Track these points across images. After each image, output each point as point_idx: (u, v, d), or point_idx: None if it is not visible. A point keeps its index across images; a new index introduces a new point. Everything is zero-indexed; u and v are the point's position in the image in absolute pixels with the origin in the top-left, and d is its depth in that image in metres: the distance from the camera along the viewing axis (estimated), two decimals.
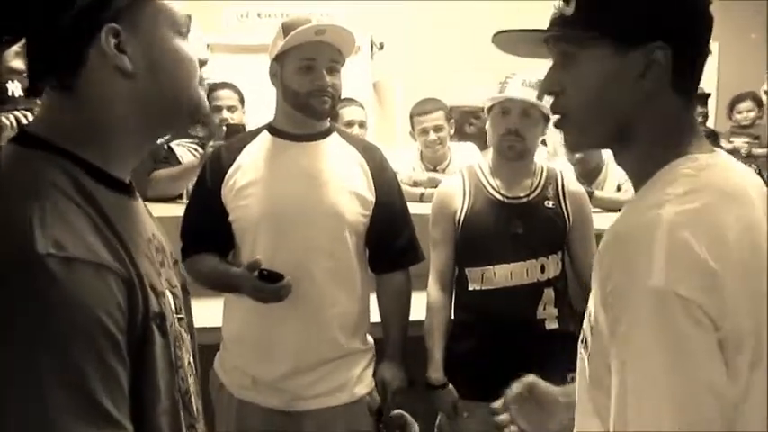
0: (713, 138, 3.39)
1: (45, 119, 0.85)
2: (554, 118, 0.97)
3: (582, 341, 0.95)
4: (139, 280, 0.79)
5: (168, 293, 0.88)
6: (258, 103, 2.65)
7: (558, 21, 0.91)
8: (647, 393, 0.76)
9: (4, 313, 0.70)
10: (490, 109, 1.97)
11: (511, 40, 0.96)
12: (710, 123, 4.72)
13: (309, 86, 1.72)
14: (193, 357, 0.97)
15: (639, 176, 0.90)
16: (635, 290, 0.77)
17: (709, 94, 4.52)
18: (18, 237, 0.71)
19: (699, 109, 4.36)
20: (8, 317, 0.70)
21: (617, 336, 0.79)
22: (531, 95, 1.89)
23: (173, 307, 0.89)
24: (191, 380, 0.92)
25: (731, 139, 4.37)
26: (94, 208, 0.78)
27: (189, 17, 0.89)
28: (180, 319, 0.92)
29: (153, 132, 0.92)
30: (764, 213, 0.84)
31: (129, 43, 0.82)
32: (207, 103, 0.93)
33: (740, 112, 4.52)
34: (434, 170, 3.12)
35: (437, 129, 3.04)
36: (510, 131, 1.90)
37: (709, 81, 4.91)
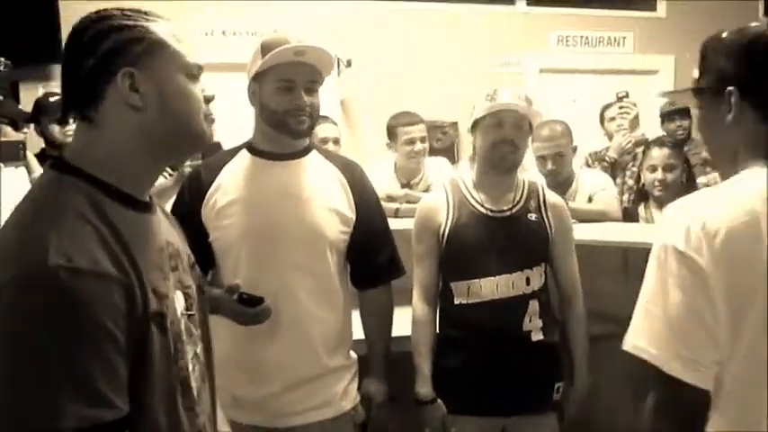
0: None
1: (75, 146, 1.01)
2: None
3: None
4: (140, 285, 0.93)
5: (179, 294, 1.04)
6: (226, 121, 2.63)
7: (694, 82, 1.24)
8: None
9: (20, 314, 0.84)
10: (475, 123, 1.97)
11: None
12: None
13: (287, 105, 1.72)
14: (205, 349, 1.13)
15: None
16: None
17: (688, 108, 4.59)
18: (36, 251, 0.86)
19: (679, 122, 4.45)
20: (23, 317, 0.84)
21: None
22: (522, 105, 1.92)
23: (182, 305, 1.04)
24: (195, 369, 1.06)
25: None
26: (107, 225, 0.93)
27: (200, 66, 1.05)
28: (190, 315, 1.07)
29: (161, 158, 1.05)
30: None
31: (142, 82, 0.98)
32: (211, 134, 1.08)
33: None
34: (408, 184, 3.14)
35: (423, 139, 3.07)
36: (505, 141, 1.92)
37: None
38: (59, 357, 0.84)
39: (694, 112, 1.32)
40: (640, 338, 1.09)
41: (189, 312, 1.06)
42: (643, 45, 5.11)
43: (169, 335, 0.97)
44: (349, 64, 4.43)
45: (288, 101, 1.72)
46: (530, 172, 2.96)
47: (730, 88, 1.17)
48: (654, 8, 5.21)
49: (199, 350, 1.10)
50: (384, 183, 3.03)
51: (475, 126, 1.98)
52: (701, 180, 4.28)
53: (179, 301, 1.03)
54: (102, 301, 0.87)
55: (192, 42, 1.06)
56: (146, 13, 1.03)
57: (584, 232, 2.39)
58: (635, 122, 3.59)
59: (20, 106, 2.97)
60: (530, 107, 1.95)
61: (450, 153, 4.52)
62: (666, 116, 4.68)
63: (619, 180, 3.43)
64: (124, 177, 0.99)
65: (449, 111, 4.42)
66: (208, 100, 1.07)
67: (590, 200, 2.84)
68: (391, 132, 3.13)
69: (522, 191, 2.02)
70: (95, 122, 0.98)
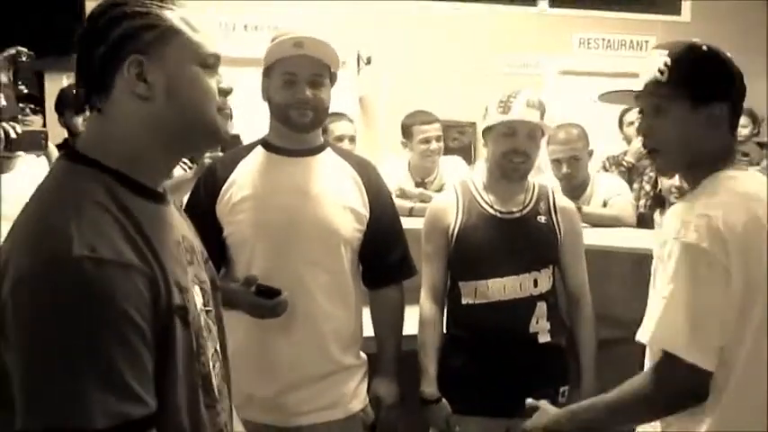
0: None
1: (88, 136, 0.99)
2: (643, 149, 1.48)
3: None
4: (164, 277, 0.91)
5: (197, 289, 1.01)
6: (245, 117, 2.65)
7: (653, 83, 1.34)
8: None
9: (46, 305, 0.82)
10: (488, 129, 1.98)
11: (612, 95, 1.46)
12: None
13: (290, 99, 1.73)
14: (221, 346, 1.10)
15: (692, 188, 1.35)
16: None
17: None
18: (59, 241, 0.84)
19: None
20: (49, 308, 0.82)
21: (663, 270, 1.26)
22: (535, 116, 1.92)
23: (200, 301, 1.01)
24: (215, 366, 1.04)
25: None
26: (126, 215, 0.91)
27: (217, 56, 1.00)
28: (208, 311, 1.05)
29: (173, 151, 1.02)
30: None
31: (151, 72, 0.95)
32: (227, 129, 1.03)
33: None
34: (422, 183, 3.14)
35: (438, 138, 3.08)
36: (518, 152, 1.93)
37: None
38: (86, 350, 0.82)
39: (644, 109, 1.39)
40: (663, 331, 1.23)
41: (207, 308, 1.04)
42: None
43: (192, 330, 0.95)
44: (369, 61, 4.44)
45: (290, 94, 1.73)
46: (546, 175, 2.96)
47: (722, 103, 1.31)
48: (678, 12, 5.16)
49: (218, 347, 1.08)
50: (398, 179, 3.04)
51: (487, 131, 2.00)
52: None
53: (197, 296, 1.01)
54: (128, 292, 0.85)
55: (210, 31, 1.01)
56: (167, 1, 0.98)
57: (596, 237, 2.39)
58: None
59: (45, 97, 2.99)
60: (542, 119, 1.95)
61: (466, 153, 4.53)
62: None
63: (636, 185, 3.41)
64: (136, 168, 0.96)
65: (466, 110, 4.42)
66: (225, 92, 1.02)
67: (605, 204, 2.83)
68: (406, 131, 3.13)
69: (533, 193, 2.03)
70: (105, 112, 0.96)
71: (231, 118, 2.87)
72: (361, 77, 4.55)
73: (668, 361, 1.23)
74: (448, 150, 4.37)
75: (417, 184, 3.13)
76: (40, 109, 2.95)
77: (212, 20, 4.29)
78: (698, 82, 1.31)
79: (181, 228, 1.05)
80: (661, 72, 1.32)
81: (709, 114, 1.31)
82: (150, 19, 0.95)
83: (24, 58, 2.49)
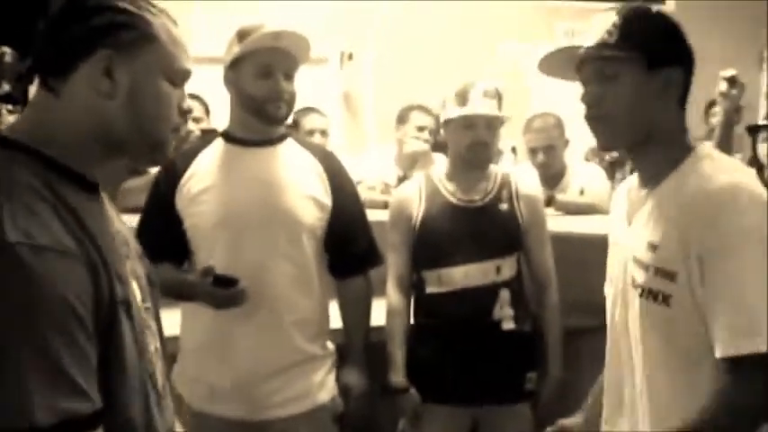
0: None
1: (30, 117, 0.95)
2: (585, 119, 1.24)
3: (637, 289, 1.19)
4: (105, 267, 0.86)
5: (134, 283, 0.96)
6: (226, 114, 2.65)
7: (603, 45, 1.18)
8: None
9: None
10: (447, 122, 2.00)
11: (549, 61, 1.28)
12: None
13: (266, 92, 1.72)
14: (161, 344, 1.05)
15: (659, 169, 1.19)
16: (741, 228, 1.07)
17: None
18: None
19: None
20: None
21: (728, 255, 1.07)
22: (492, 106, 1.94)
23: (139, 296, 0.97)
24: (159, 363, 1.00)
25: None
26: (62, 204, 0.86)
27: (188, 72, 0.99)
28: (146, 308, 1.00)
29: (112, 153, 0.98)
30: None
31: (119, 71, 0.92)
32: (170, 148, 1.01)
33: (713, 116, 4.53)
34: (405, 177, 3.10)
35: (430, 132, 3.00)
36: (478, 143, 1.95)
37: None
38: (27, 343, 0.76)
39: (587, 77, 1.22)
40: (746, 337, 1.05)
41: (145, 305, 1.00)
42: None
43: (136, 324, 0.92)
44: (351, 57, 4.44)
45: (267, 87, 1.72)
46: (524, 164, 2.96)
47: (675, 67, 1.18)
48: (662, 1, 5.14)
49: (158, 344, 1.03)
50: (382, 173, 3.01)
51: (446, 123, 2.02)
52: None
53: (137, 291, 0.97)
54: (69, 281, 0.80)
55: (185, 46, 0.99)
56: (154, 6, 0.96)
57: (570, 224, 2.39)
58: None
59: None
60: (499, 108, 1.97)
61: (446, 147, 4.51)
62: None
63: (619, 175, 3.40)
64: (74, 158, 0.92)
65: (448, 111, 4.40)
66: (183, 113, 1.00)
67: (581, 193, 2.83)
68: (403, 116, 3.07)
69: (495, 182, 2.03)
70: (59, 94, 0.91)
71: (189, 121, 2.87)
72: (343, 73, 4.54)
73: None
74: (434, 145, 4.38)
75: (400, 178, 3.11)
76: (20, 109, 2.93)
77: (198, 18, 4.31)
78: (651, 42, 1.17)
79: (114, 222, 1.01)
80: (609, 32, 1.17)
81: (664, 79, 1.17)
82: (134, 19, 0.93)
83: (9, 59, 2.48)
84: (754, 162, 3.04)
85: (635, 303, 1.21)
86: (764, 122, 3.07)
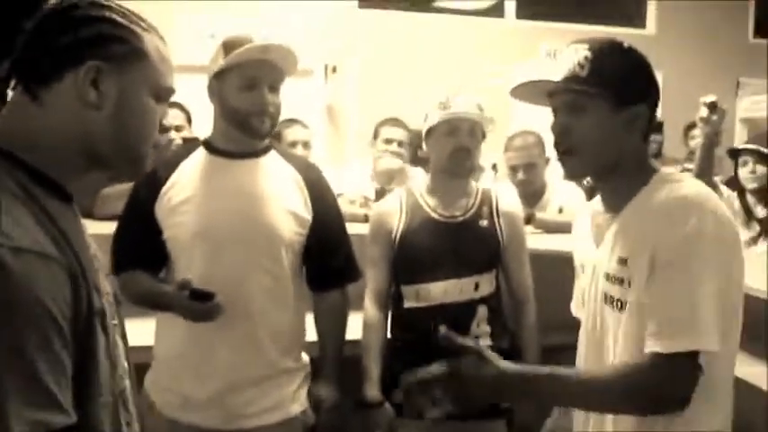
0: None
1: (9, 122, 0.92)
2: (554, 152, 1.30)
3: (614, 304, 1.24)
4: (84, 275, 0.85)
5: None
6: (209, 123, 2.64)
7: (573, 79, 1.23)
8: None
9: None
10: (431, 131, 2.00)
11: (524, 88, 1.31)
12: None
13: (250, 106, 1.72)
14: (127, 363, 1.02)
15: (624, 194, 1.25)
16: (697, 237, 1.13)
17: (662, 123, 4.64)
18: None
19: (653, 137, 4.48)
20: None
21: (675, 262, 1.14)
22: (476, 112, 1.94)
23: (109, 312, 0.94)
24: (126, 382, 0.98)
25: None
26: (42, 210, 0.85)
27: (173, 90, 1.00)
28: (114, 325, 0.97)
29: (92, 165, 0.97)
30: None
31: (106, 83, 0.91)
32: (148, 164, 1.01)
33: (692, 138, 4.60)
34: (383, 191, 3.12)
35: (400, 144, 3.09)
36: (461, 149, 1.94)
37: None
38: (5, 350, 0.74)
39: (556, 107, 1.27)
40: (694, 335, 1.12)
41: (113, 322, 0.98)
42: None
43: (110, 338, 0.90)
44: (335, 69, 4.46)
45: (251, 100, 1.71)
46: (504, 181, 2.97)
47: (641, 105, 1.24)
48: (643, 25, 5.24)
49: (126, 365, 1.01)
50: (360, 184, 3.03)
51: (429, 133, 2.01)
52: None
53: (107, 306, 0.95)
54: (49, 287, 0.79)
55: (171, 64, 0.99)
56: (144, 21, 0.97)
57: (548, 242, 2.40)
58: None
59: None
60: (482, 114, 1.96)
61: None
62: None
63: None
64: (52, 165, 0.91)
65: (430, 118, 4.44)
66: (163, 129, 1.02)
67: (560, 211, 2.85)
68: (375, 131, 3.18)
69: (476, 198, 2.03)
70: (41, 101, 0.90)
71: (168, 130, 2.86)
72: (328, 86, 4.55)
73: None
74: (416, 160, 4.39)
75: (378, 192, 3.12)
76: None
77: (181, 27, 4.30)
78: (620, 80, 1.22)
79: (87, 236, 1.00)
80: (581, 66, 1.22)
81: (630, 115, 1.23)
82: (125, 33, 0.93)
83: None
84: (736, 184, 3.09)
85: (611, 318, 1.24)
86: (745, 146, 3.12)
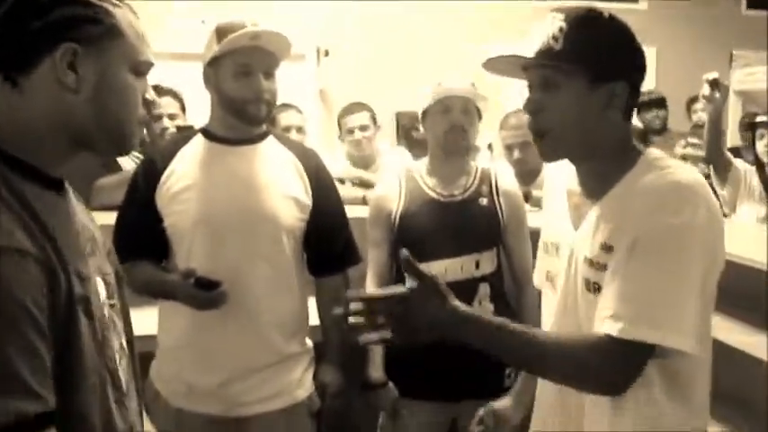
0: None
1: None
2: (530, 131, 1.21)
3: (590, 288, 1.18)
4: (63, 266, 0.86)
5: (99, 280, 0.96)
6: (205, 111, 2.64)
7: (546, 53, 1.13)
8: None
9: None
10: (426, 112, 2.00)
11: (497, 61, 1.21)
12: None
13: (246, 93, 1.71)
14: (128, 342, 1.05)
15: (606, 179, 1.17)
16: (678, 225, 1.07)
17: (664, 98, 4.62)
18: None
19: (656, 112, 4.48)
20: None
21: (651, 246, 1.08)
22: (469, 89, 1.95)
23: (104, 293, 0.97)
24: (123, 361, 1.00)
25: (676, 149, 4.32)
26: (20, 202, 0.85)
27: (151, 63, 0.99)
28: (112, 305, 1.00)
29: (79, 146, 0.97)
30: None
31: (83, 65, 0.91)
32: (138, 139, 1.01)
33: (695, 112, 4.57)
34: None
35: (362, 128, 3.13)
36: (455, 127, 1.95)
37: (647, 85, 5.04)
38: None
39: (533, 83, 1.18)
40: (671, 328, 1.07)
41: (110, 301, 1.00)
42: None
43: (96, 322, 0.91)
44: (327, 53, 4.43)
45: (246, 87, 1.71)
46: (500, 160, 2.97)
47: (620, 82, 1.14)
48: (635, 1, 5.21)
49: (123, 342, 1.03)
50: (342, 170, 3.07)
51: (424, 115, 2.01)
52: None
53: (101, 288, 0.97)
54: (22, 280, 0.80)
55: (147, 37, 0.98)
56: None
57: (544, 220, 2.40)
58: None
59: None
60: (475, 91, 1.97)
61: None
62: (643, 106, 4.71)
63: None
64: (37, 152, 0.91)
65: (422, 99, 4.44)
66: (147, 104, 1.01)
67: None
68: (339, 123, 3.22)
69: (475, 176, 2.04)
70: (21, 87, 0.89)
71: (150, 123, 2.86)
72: (320, 70, 4.53)
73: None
74: (412, 142, 4.39)
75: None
76: None
77: (176, 15, 4.26)
78: (597, 54, 1.12)
79: (81, 217, 1.00)
80: (555, 38, 1.12)
81: (608, 93, 1.13)
82: (98, 12, 0.91)
83: None
84: (754, 158, 3.09)
85: (586, 301, 1.18)
86: (762, 119, 3.11)
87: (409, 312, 1.11)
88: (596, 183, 1.19)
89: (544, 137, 1.17)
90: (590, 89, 1.13)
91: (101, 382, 0.92)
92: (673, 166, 1.15)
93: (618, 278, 1.09)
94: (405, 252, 1.15)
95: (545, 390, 1.31)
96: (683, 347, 1.06)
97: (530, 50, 1.15)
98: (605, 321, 1.08)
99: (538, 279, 1.42)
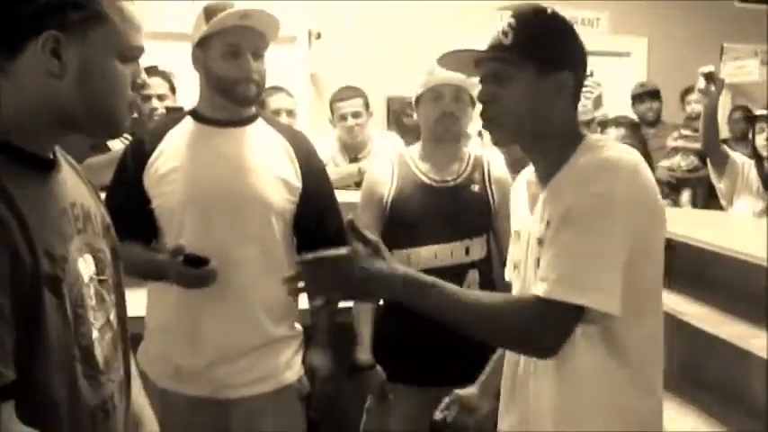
0: None
1: None
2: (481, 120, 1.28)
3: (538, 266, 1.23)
4: (29, 245, 0.87)
5: (87, 257, 0.98)
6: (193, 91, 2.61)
7: (497, 47, 1.23)
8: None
9: None
10: (419, 99, 2.01)
11: (451, 58, 1.31)
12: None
13: (236, 73, 1.70)
14: (120, 318, 1.07)
15: (554, 163, 1.24)
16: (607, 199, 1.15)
17: (658, 90, 4.63)
18: None
19: (649, 104, 4.51)
20: None
21: (587, 220, 1.16)
22: (460, 77, 1.94)
23: (91, 270, 0.98)
24: (107, 336, 1.01)
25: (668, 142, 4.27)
26: None
27: (140, 48, 0.99)
28: (102, 280, 1.01)
29: (68, 129, 0.98)
30: None
31: (67, 51, 0.91)
32: (128, 123, 1.00)
33: (689, 104, 4.58)
34: (356, 159, 3.17)
35: (355, 114, 3.11)
36: (446, 114, 1.95)
37: (638, 77, 5.04)
38: None
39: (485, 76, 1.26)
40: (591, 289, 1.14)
41: (100, 277, 1.01)
42: (616, 26, 5.12)
43: (66, 300, 0.93)
44: (319, 36, 4.40)
45: (236, 68, 1.70)
46: (492, 148, 2.97)
47: (567, 72, 1.23)
48: None
49: (112, 317, 1.04)
50: (330, 159, 3.05)
51: (417, 102, 2.03)
52: (663, 164, 4.33)
53: (88, 265, 0.98)
54: None
55: (137, 21, 0.97)
56: None
57: None
58: (598, 102, 3.62)
59: None
60: (467, 78, 1.96)
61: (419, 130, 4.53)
62: (637, 98, 4.73)
63: None
64: (22, 136, 0.93)
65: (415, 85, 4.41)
66: (137, 87, 1.00)
67: None
68: (330, 108, 3.21)
69: (468, 163, 2.05)
70: (7, 72, 0.91)
71: (150, 99, 2.84)
72: (312, 53, 4.50)
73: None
74: (403, 127, 4.37)
75: (351, 161, 3.16)
76: None
77: None
78: (544, 47, 1.22)
79: (75, 194, 1.01)
80: (505, 33, 1.22)
81: (555, 83, 1.22)
82: None
83: None
84: (753, 153, 3.10)
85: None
86: (761, 113, 3.12)
87: (351, 270, 1.19)
88: (546, 168, 1.27)
89: (495, 124, 1.26)
90: (539, 79, 1.21)
91: (68, 359, 0.93)
92: (607, 146, 1.23)
93: (550, 247, 1.18)
94: (349, 218, 1.26)
95: (506, 376, 1.37)
96: (605, 308, 1.13)
97: (482, 46, 1.25)
98: (537, 284, 1.17)
99: (508, 272, 1.45)
